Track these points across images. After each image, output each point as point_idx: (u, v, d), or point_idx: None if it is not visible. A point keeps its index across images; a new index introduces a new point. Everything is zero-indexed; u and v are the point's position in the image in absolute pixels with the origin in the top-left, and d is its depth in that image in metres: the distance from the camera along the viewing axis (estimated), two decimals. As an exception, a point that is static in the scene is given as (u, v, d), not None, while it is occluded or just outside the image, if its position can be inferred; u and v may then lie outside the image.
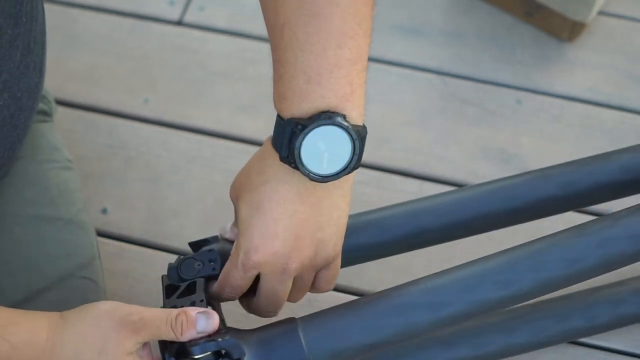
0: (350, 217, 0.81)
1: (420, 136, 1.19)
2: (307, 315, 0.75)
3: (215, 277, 0.79)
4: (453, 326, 0.73)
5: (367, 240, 0.83)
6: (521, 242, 0.77)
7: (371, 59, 1.27)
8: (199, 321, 0.68)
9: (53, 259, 0.84)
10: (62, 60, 1.24)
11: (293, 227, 0.71)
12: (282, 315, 0.99)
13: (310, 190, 0.71)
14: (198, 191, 1.13)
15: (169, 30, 1.28)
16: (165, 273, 0.79)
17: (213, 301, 0.79)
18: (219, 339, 0.68)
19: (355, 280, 1.06)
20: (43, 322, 0.69)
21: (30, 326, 0.68)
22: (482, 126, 1.20)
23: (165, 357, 0.69)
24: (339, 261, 0.78)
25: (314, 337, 0.71)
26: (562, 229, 0.77)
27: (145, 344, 0.69)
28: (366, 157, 1.20)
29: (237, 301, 0.82)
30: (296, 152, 0.68)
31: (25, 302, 0.80)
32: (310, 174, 0.69)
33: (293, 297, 0.78)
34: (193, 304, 0.72)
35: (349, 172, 0.70)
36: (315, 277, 0.78)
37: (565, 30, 1.26)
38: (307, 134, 0.67)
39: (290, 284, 0.75)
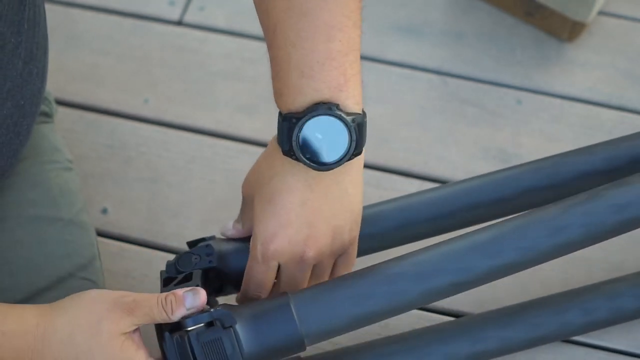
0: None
1: (420, 136, 1.19)
2: (299, 290, 0.76)
3: (212, 270, 0.80)
4: (441, 298, 0.74)
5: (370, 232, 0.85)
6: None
7: (371, 59, 1.28)
8: (186, 298, 0.69)
9: (53, 259, 0.84)
10: (63, 60, 1.24)
11: (306, 215, 0.73)
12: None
13: (317, 179, 0.73)
14: (198, 191, 1.13)
15: (169, 30, 1.28)
16: (164, 269, 0.80)
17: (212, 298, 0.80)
18: (211, 310, 0.70)
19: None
20: (32, 311, 0.69)
21: (18, 315, 0.69)
22: (482, 126, 1.20)
23: (163, 335, 0.70)
24: (355, 246, 0.80)
25: (305, 308, 0.72)
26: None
27: (136, 330, 0.70)
28: (366, 157, 1.20)
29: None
30: (294, 144, 0.71)
31: (25, 302, 0.80)
32: (312, 164, 0.71)
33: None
34: None
35: (349, 159, 0.73)
36: (333, 264, 0.80)
37: (565, 30, 1.26)
38: (302, 126, 0.70)
39: (309, 272, 0.77)
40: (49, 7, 1.28)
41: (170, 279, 0.79)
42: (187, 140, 1.18)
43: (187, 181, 1.14)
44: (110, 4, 1.30)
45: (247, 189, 0.79)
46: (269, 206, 0.74)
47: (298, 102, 0.71)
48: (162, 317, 0.69)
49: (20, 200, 0.85)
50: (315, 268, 0.78)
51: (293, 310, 0.72)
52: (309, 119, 0.70)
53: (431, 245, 0.75)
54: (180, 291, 0.70)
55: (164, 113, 1.20)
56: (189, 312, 0.69)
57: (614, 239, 1.09)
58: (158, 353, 0.72)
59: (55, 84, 1.19)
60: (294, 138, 0.71)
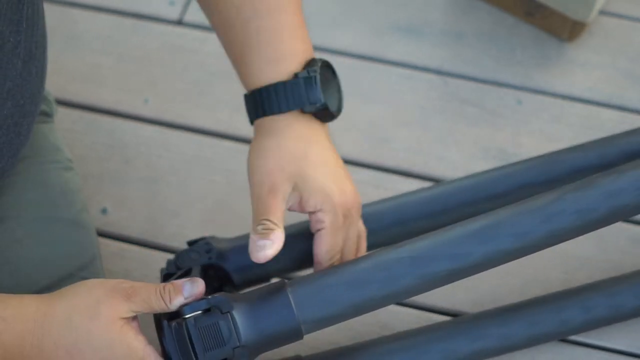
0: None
1: (420, 136, 1.19)
2: (296, 277, 0.77)
3: (211, 267, 0.80)
4: (438, 285, 0.74)
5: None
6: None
7: (371, 59, 1.28)
8: (185, 287, 0.70)
9: (54, 259, 0.84)
10: (62, 60, 1.24)
11: (343, 169, 0.81)
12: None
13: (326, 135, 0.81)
14: (198, 191, 1.13)
15: (169, 30, 1.28)
16: (164, 266, 0.81)
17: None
18: (209, 297, 0.70)
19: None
20: (32, 298, 0.70)
21: (18, 302, 0.69)
22: (482, 126, 1.20)
23: (162, 324, 0.70)
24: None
25: (302, 295, 0.72)
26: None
27: (135, 318, 0.70)
28: (366, 157, 1.21)
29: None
30: (323, 95, 0.77)
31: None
32: (338, 111, 0.80)
33: (345, 255, 0.82)
34: None
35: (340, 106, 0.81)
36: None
37: (565, 30, 1.26)
38: (318, 78, 0.77)
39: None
40: (48, 7, 1.28)
41: (170, 275, 0.79)
42: (187, 140, 1.18)
43: (187, 181, 1.14)
44: (110, 4, 1.30)
45: (279, 174, 0.77)
46: (324, 168, 0.77)
47: (300, 62, 0.77)
48: (160, 305, 0.69)
49: (21, 200, 0.85)
50: (347, 235, 0.81)
51: (290, 297, 0.72)
52: (319, 71, 0.77)
53: (428, 233, 0.75)
54: (179, 281, 0.70)
55: (164, 113, 1.20)
56: (186, 300, 0.69)
57: (614, 239, 1.09)
58: (158, 350, 0.72)
59: (55, 84, 1.19)
60: (318, 92, 0.76)
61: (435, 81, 1.24)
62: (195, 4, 1.31)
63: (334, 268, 0.75)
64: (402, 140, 1.18)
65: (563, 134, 1.19)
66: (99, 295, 0.68)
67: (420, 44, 1.28)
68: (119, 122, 1.19)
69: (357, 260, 0.75)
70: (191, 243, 0.83)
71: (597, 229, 0.75)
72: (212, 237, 0.84)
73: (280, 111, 0.77)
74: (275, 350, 0.97)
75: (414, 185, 1.14)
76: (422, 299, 1.05)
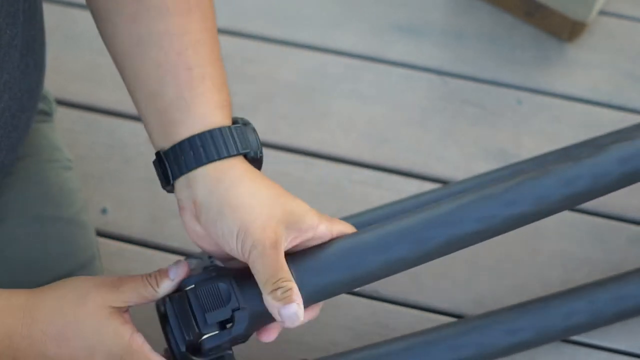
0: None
1: (420, 136, 1.19)
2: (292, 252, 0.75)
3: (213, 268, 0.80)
4: (404, 268, 0.74)
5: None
6: (520, 243, 0.76)
7: (371, 59, 1.28)
8: (170, 270, 0.70)
9: (53, 259, 0.84)
10: (63, 60, 1.24)
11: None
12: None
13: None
14: (198, 191, 1.13)
15: (169, 30, 1.28)
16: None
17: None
18: (209, 266, 0.70)
19: (355, 280, 1.06)
20: (21, 291, 0.70)
21: (7, 294, 0.70)
22: (482, 126, 1.20)
23: (165, 300, 0.70)
24: None
25: (299, 262, 0.71)
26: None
27: (127, 311, 0.70)
28: (366, 156, 1.21)
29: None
30: (257, 143, 0.72)
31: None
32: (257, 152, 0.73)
33: None
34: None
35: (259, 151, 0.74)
36: None
37: (565, 30, 1.26)
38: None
39: None
40: (48, 7, 1.28)
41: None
42: (187, 140, 1.17)
43: (187, 181, 1.14)
44: None
45: (273, 223, 0.70)
46: (289, 194, 0.72)
47: (227, 115, 0.73)
48: (148, 292, 0.69)
49: (20, 200, 0.85)
50: None
51: (290, 264, 0.70)
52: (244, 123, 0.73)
53: (424, 208, 0.74)
54: (164, 267, 0.70)
55: (164, 113, 1.20)
56: (173, 282, 0.69)
57: (614, 239, 1.09)
58: (159, 350, 0.72)
59: (55, 83, 1.19)
60: (257, 138, 0.72)
61: (435, 81, 1.24)
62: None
63: (328, 243, 0.73)
64: (402, 140, 1.18)
65: (563, 133, 1.19)
66: (88, 286, 0.69)
67: (420, 44, 1.28)
68: (119, 122, 1.19)
69: (352, 235, 0.73)
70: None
71: (554, 214, 0.75)
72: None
73: (229, 155, 0.70)
74: (281, 353, 0.98)
75: (414, 185, 1.14)
76: (422, 299, 1.04)
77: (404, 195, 1.11)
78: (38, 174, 0.87)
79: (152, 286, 0.69)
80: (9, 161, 0.81)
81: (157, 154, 0.71)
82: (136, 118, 1.20)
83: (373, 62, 1.26)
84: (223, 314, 0.68)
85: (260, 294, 0.67)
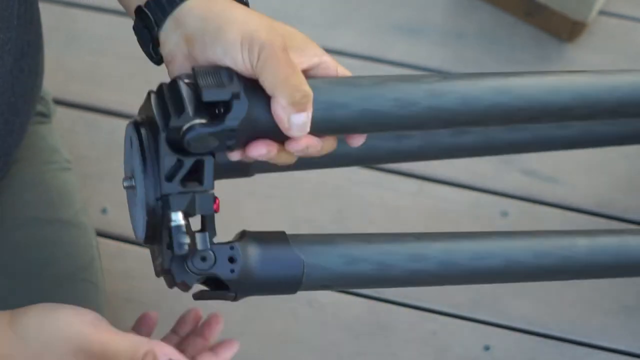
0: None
1: (420, 136, 1.19)
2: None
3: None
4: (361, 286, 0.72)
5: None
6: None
7: (371, 59, 1.28)
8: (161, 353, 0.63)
9: (52, 261, 0.84)
10: (62, 60, 1.24)
11: None
12: (284, 309, 0.99)
13: None
14: (198, 191, 1.13)
15: (169, 30, 1.28)
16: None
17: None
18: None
19: (355, 280, 1.06)
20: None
21: None
22: (482, 126, 1.20)
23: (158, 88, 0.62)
24: None
25: (303, 248, 0.69)
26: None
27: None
28: (366, 157, 1.20)
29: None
30: None
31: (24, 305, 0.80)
32: None
33: None
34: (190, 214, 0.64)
35: None
36: None
37: (565, 30, 1.26)
38: None
39: None
40: (49, 7, 1.28)
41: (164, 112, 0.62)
42: (187, 140, 1.17)
43: (187, 181, 1.14)
44: (110, 4, 1.30)
45: (276, 34, 0.63)
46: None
47: None
48: None
49: (18, 202, 0.85)
50: None
51: (291, 244, 0.69)
52: None
53: (379, 235, 0.72)
54: (160, 353, 0.63)
55: (164, 113, 1.20)
56: None
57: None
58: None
59: (55, 84, 1.19)
60: None
61: (435, 81, 1.24)
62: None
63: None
64: (403, 139, 1.18)
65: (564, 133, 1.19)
66: (62, 355, 0.63)
67: (420, 44, 1.28)
68: (119, 122, 1.19)
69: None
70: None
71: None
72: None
73: None
74: (281, 353, 0.97)
75: (414, 185, 1.14)
76: (422, 299, 1.05)
77: (404, 195, 1.11)
78: (36, 177, 0.87)
79: None
80: (4, 165, 0.81)
81: (137, 11, 0.65)
82: (136, 118, 1.20)
83: (373, 62, 1.26)
84: (221, 94, 0.59)
85: (266, 101, 0.60)
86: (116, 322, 0.97)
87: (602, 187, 1.14)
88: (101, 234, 1.08)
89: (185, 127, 0.59)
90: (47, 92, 0.95)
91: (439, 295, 1.05)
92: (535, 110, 0.70)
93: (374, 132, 0.67)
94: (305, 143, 0.62)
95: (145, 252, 1.08)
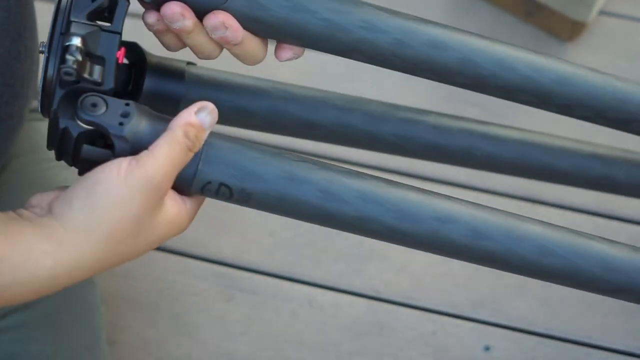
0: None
1: (420, 136, 1.19)
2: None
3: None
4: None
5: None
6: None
7: (371, 59, 1.28)
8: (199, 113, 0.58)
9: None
10: (62, 60, 1.24)
11: None
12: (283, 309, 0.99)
13: None
14: (198, 191, 1.13)
15: (169, 30, 1.28)
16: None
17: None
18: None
19: (355, 280, 1.06)
20: (42, 246, 0.57)
21: (25, 260, 0.57)
22: (482, 126, 1.20)
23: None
24: None
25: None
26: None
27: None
28: (367, 156, 1.21)
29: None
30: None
31: (24, 307, 0.80)
32: None
33: None
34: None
35: None
36: None
37: (565, 30, 1.26)
38: None
39: None
40: (47, 7, 1.28)
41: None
42: (187, 140, 1.17)
43: (187, 181, 1.14)
44: None
45: None
46: None
47: None
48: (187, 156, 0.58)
49: (17, 199, 0.84)
50: None
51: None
52: None
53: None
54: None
55: (164, 113, 1.20)
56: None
57: (613, 238, 1.09)
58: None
59: (55, 84, 1.19)
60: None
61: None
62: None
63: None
64: (402, 140, 1.18)
65: (564, 133, 1.19)
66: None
67: (421, 44, 1.28)
68: (119, 122, 1.19)
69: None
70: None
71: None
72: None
73: None
74: (281, 353, 0.97)
75: (414, 185, 1.14)
76: (422, 299, 1.05)
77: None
78: (35, 174, 0.87)
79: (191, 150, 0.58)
80: (5, 152, 0.81)
81: None
82: (136, 118, 1.20)
83: (373, 62, 1.26)
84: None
85: None
86: (116, 322, 0.97)
87: (602, 187, 1.14)
88: (101, 234, 1.08)
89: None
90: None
91: (439, 295, 1.05)
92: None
93: (301, 46, 0.64)
94: (223, 19, 0.61)
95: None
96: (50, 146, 0.61)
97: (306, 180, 0.62)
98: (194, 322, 1.02)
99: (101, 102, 0.58)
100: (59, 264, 0.57)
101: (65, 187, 0.59)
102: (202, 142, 0.59)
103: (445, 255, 0.65)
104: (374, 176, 0.65)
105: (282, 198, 0.61)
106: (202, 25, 0.62)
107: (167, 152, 0.57)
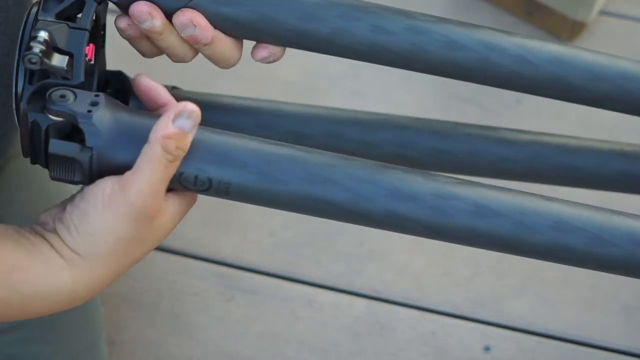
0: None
1: (420, 136, 1.19)
2: None
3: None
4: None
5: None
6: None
7: (371, 59, 1.28)
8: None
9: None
10: (62, 60, 1.24)
11: None
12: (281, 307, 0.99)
13: None
14: (198, 191, 1.13)
15: (169, 30, 1.28)
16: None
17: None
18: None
19: (355, 280, 1.06)
20: (60, 262, 0.58)
21: (45, 272, 0.58)
22: (482, 126, 1.20)
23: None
24: None
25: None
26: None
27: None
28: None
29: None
30: None
31: (26, 310, 0.80)
32: None
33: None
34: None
35: None
36: None
37: (565, 30, 1.26)
38: None
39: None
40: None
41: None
42: (187, 140, 1.17)
43: (187, 181, 1.14)
44: (109, 4, 1.30)
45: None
46: None
47: None
48: (169, 170, 0.57)
49: (14, 200, 0.84)
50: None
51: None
52: None
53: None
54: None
55: (163, 113, 1.20)
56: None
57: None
58: None
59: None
60: None
61: (435, 80, 1.24)
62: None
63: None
64: (402, 140, 1.18)
65: (563, 133, 1.19)
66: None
67: (421, 44, 1.28)
68: (118, 122, 1.19)
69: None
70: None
71: None
72: None
73: None
74: (281, 353, 0.97)
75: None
76: (422, 299, 1.05)
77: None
78: (33, 175, 0.87)
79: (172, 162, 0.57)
80: (4, 153, 0.80)
81: None
82: (136, 118, 1.20)
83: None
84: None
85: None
86: (116, 322, 0.97)
87: (602, 187, 1.14)
88: (101, 234, 1.08)
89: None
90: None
91: (439, 295, 1.05)
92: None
93: (276, 44, 0.62)
94: (191, 16, 0.61)
95: (145, 252, 1.08)
96: (24, 152, 0.60)
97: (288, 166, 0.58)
98: (194, 322, 1.02)
99: (70, 94, 0.58)
100: (76, 278, 0.59)
101: (67, 202, 0.60)
102: (187, 147, 0.57)
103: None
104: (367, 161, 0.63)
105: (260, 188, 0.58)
106: (172, 26, 0.62)
107: (149, 175, 0.56)
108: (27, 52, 0.56)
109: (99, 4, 0.64)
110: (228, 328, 1.03)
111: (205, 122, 0.59)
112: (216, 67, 1.26)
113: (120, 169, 0.57)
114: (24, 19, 0.61)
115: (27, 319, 0.60)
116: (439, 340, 1.02)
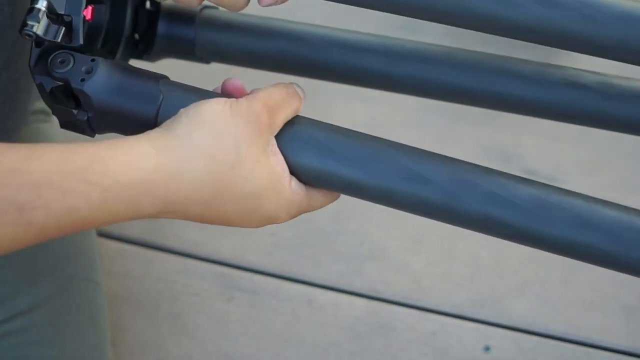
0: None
1: (421, 136, 1.18)
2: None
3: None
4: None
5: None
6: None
7: (371, 59, 1.27)
8: None
9: (54, 262, 0.84)
10: (62, 60, 1.24)
11: None
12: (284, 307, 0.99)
13: None
14: (198, 191, 1.13)
15: (169, 30, 1.28)
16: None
17: None
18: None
19: (355, 280, 1.06)
20: (145, 149, 0.58)
21: (126, 159, 0.58)
22: (482, 126, 1.20)
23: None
24: None
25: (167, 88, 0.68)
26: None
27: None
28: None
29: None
30: None
31: (29, 311, 0.80)
32: None
33: None
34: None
35: None
36: None
37: None
38: None
39: None
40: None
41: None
42: (187, 140, 1.17)
43: (187, 181, 1.14)
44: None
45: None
46: None
47: None
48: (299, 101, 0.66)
49: None
50: None
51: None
52: None
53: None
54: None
55: (164, 113, 1.20)
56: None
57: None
58: None
59: (55, 83, 1.19)
60: None
61: (435, 81, 1.24)
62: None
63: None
64: (402, 140, 1.18)
65: (563, 133, 1.19)
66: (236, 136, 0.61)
67: (421, 44, 1.28)
68: (119, 122, 1.19)
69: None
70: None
71: None
72: None
73: None
74: (281, 353, 0.97)
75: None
76: (422, 299, 1.04)
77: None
78: None
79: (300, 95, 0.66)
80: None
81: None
82: (136, 118, 1.20)
83: (373, 62, 1.26)
84: None
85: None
86: (116, 322, 0.97)
87: (602, 187, 1.14)
88: (101, 234, 1.08)
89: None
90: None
91: (439, 295, 1.05)
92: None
93: None
94: None
95: (145, 252, 1.08)
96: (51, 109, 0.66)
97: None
98: (194, 322, 1.02)
99: (69, 59, 0.62)
100: (158, 167, 0.58)
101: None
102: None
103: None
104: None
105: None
106: None
107: (272, 89, 0.65)
108: (25, 28, 0.60)
109: None
110: (228, 328, 1.03)
111: (227, 44, 0.76)
112: (217, 67, 1.27)
113: (119, 129, 0.65)
114: None
115: (106, 224, 0.58)
116: (439, 340, 1.02)
